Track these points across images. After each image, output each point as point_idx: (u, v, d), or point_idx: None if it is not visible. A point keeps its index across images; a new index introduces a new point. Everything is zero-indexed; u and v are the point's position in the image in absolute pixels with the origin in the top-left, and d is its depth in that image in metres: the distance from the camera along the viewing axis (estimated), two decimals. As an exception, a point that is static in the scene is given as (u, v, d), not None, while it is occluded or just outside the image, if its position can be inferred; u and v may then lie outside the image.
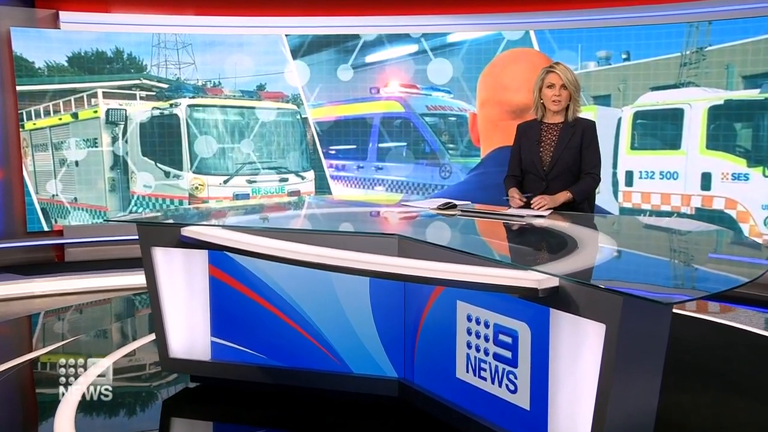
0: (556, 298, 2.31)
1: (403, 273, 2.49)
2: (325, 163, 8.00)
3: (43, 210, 7.43)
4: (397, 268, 2.51)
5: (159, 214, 5.09)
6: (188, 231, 3.25)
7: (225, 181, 7.86)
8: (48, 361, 4.22)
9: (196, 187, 7.78)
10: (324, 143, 7.98)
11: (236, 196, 7.85)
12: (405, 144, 7.83)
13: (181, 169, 7.74)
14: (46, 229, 7.46)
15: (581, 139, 3.73)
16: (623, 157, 7.12)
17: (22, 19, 7.30)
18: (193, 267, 3.44)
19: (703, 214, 6.73)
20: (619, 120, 7.10)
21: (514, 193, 3.74)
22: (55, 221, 7.46)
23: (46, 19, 7.37)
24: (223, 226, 3.31)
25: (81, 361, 3.75)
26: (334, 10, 7.70)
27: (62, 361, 3.88)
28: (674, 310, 4.95)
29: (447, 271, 2.42)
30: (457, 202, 3.80)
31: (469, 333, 2.77)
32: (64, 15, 7.36)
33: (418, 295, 3.05)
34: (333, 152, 8.00)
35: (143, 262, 3.44)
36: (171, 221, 3.58)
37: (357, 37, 7.76)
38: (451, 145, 7.70)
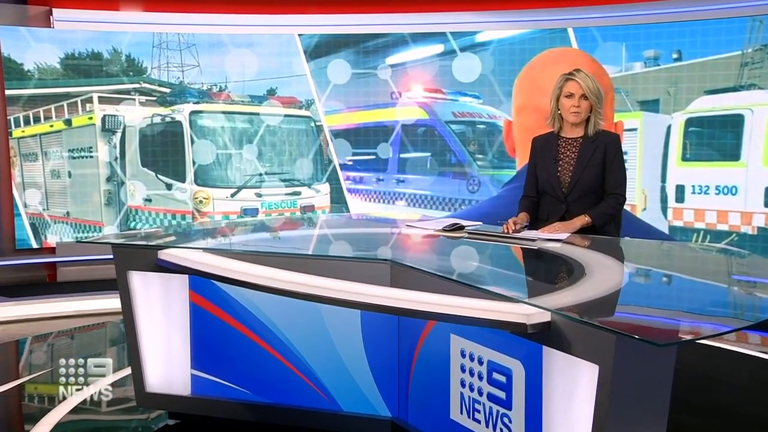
0: (547, 335, 2.33)
1: (377, 303, 2.54)
2: (341, 174, 8.09)
3: (32, 225, 7.61)
4: (373, 298, 2.56)
5: (149, 232, 5.19)
6: (165, 254, 3.33)
7: (232, 195, 7.98)
8: (20, 394, 4.32)
9: (201, 201, 7.90)
10: (340, 153, 8.06)
11: (244, 211, 7.96)
12: (429, 154, 7.89)
13: (183, 181, 7.87)
14: (35, 246, 7.63)
15: (604, 156, 3.73)
16: (673, 169, 7.08)
17: (13, 17, 7.47)
18: (172, 293, 3.52)
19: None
20: (669, 128, 7.06)
21: (513, 220, 3.73)
22: (45, 237, 7.64)
23: (38, 16, 7.53)
24: (204, 249, 3.39)
25: (55, 393, 3.86)
26: (351, 8, 7.79)
27: (35, 393, 4.00)
28: (722, 345, 4.97)
29: (428, 302, 2.46)
30: (465, 223, 3.83)
31: (463, 370, 2.80)
32: (57, 12, 7.53)
33: (412, 327, 3.09)
34: (350, 163, 8.08)
35: (119, 288, 3.53)
36: (148, 242, 3.66)
37: (377, 36, 7.85)
38: (479, 156, 7.73)
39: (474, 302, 2.43)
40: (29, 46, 7.46)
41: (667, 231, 7.08)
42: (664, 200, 7.12)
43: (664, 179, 7.10)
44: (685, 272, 3.39)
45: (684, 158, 7.05)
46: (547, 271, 3.09)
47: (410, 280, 2.90)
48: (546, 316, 2.31)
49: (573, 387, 2.33)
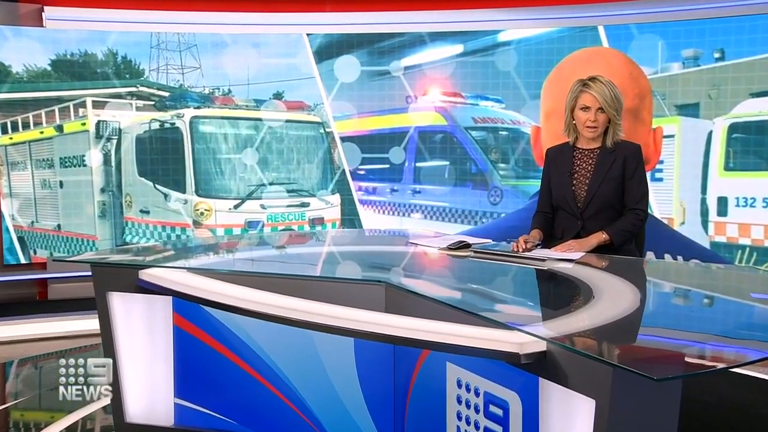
0: (543, 366, 2.34)
1: (360, 330, 2.58)
2: (352, 185, 8.13)
3: (19, 239, 7.68)
4: (357, 324, 2.59)
5: (142, 247, 5.26)
6: (146, 274, 3.39)
7: (235, 206, 8.03)
8: (4, 423, 4.39)
9: (202, 213, 7.96)
10: (351, 161, 8.11)
11: (248, 224, 8.01)
12: (447, 163, 7.91)
13: (184, 192, 7.93)
14: (23, 261, 7.71)
15: (623, 168, 3.75)
16: (715, 179, 7.02)
17: (2, 15, 7.52)
18: (154, 316, 3.57)
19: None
20: (710, 134, 7.01)
21: (523, 238, 3.75)
22: (34, 252, 7.72)
23: (29, 15, 7.59)
24: (188, 269, 3.44)
25: (36, 420, 3.91)
26: (364, 5, 7.84)
27: (19, 420, 4.06)
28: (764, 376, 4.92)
29: (416, 329, 2.49)
30: (472, 241, 3.86)
31: (459, 401, 2.81)
32: (49, 11, 7.58)
33: (408, 355, 3.11)
34: (362, 172, 8.13)
35: (98, 310, 3.59)
36: (128, 261, 3.72)
37: (392, 36, 7.90)
38: (502, 164, 7.73)
39: (466, 329, 2.45)
40: (18, 47, 7.50)
41: (708, 246, 7.02)
42: (704, 213, 7.07)
43: (704, 191, 7.05)
44: (708, 296, 3.39)
45: (727, 167, 6.99)
46: (552, 294, 3.10)
47: (405, 303, 2.94)
48: (541, 346, 2.32)
49: (570, 423, 2.33)
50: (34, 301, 7.68)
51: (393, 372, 3.24)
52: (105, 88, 7.75)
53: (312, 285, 3.26)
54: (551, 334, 2.34)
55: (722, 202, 7.02)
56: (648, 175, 6.77)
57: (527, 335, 2.35)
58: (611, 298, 2.82)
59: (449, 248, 3.79)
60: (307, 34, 7.94)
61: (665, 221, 7.15)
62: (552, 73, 7.49)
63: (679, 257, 6.85)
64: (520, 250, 3.64)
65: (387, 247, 4.47)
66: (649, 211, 3.92)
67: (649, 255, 6.60)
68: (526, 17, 7.62)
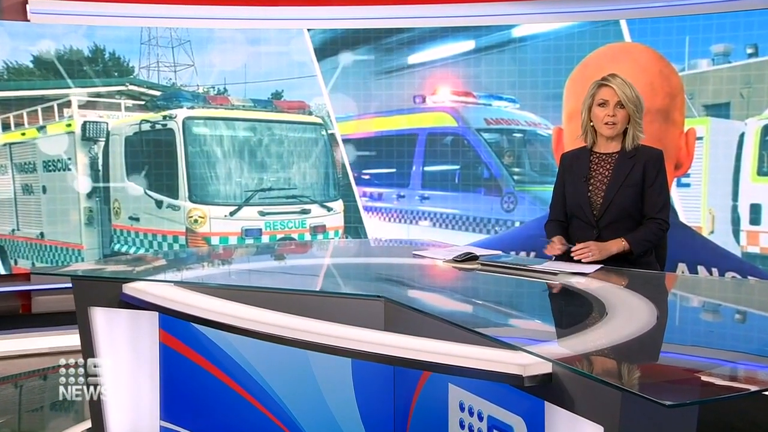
0: (548, 389, 2.35)
1: (354, 349, 2.60)
2: (356, 190, 8.15)
3: (-1, 248, 7.74)
4: (351, 343, 2.61)
5: (132, 257, 5.28)
6: (130, 288, 3.41)
7: (231, 213, 8.04)
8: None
9: (196, 220, 7.97)
10: (355, 166, 8.14)
11: (245, 232, 8.02)
12: (457, 167, 7.92)
13: (176, 198, 7.95)
14: (3, 272, 7.73)
15: (643, 174, 3.75)
16: (747, 185, 7.01)
17: (-16, 10, 7.55)
18: (140, 332, 3.59)
19: None
20: (742, 136, 7.00)
21: (557, 241, 3.79)
22: (15, 262, 7.76)
23: (12, 8, 7.56)
24: (174, 283, 3.47)
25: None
26: (369, -1, 7.88)
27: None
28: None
29: (413, 349, 2.50)
30: (479, 252, 3.87)
31: (462, 426, 2.83)
32: (34, 3, 7.59)
33: (408, 376, 3.12)
34: (367, 177, 8.15)
35: (78, 326, 3.62)
36: (111, 274, 3.75)
37: (399, 31, 7.92)
38: (516, 169, 7.73)
39: (466, 349, 2.47)
40: (-2, 42, 7.54)
41: (740, 256, 7.01)
42: (735, 222, 7.05)
43: (735, 197, 7.03)
44: (731, 312, 3.39)
45: (760, 172, 6.97)
46: (562, 311, 3.11)
47: (404, 320, 2.96)
48: (546, 367, 2.33)
49: (577, 450, 2.35)
50: (17, 314, 7.68)
51: (393, 394, 3.26)
52: (92, 87, 7.76)
53: (307, 300, 3.28)
54: (557, 355, 2.35)
55: (755, 210, 7.00)
56: (676, 180, 6.82)
57: (531, 356, 2.36)
58: (626, 315, 2.83)
59: (455, 260, 3.81)
60: (308, 30, 7.97)
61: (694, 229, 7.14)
62: (575, 70, 7.48)
63: (714, 269, 6.84)
64: (556, 251, 3.69)
65: (389, 258, 4.49)
66: (671, 220, 3.91)
67: (681, 267, 6.61)
68: (543, 11, 7.61)
